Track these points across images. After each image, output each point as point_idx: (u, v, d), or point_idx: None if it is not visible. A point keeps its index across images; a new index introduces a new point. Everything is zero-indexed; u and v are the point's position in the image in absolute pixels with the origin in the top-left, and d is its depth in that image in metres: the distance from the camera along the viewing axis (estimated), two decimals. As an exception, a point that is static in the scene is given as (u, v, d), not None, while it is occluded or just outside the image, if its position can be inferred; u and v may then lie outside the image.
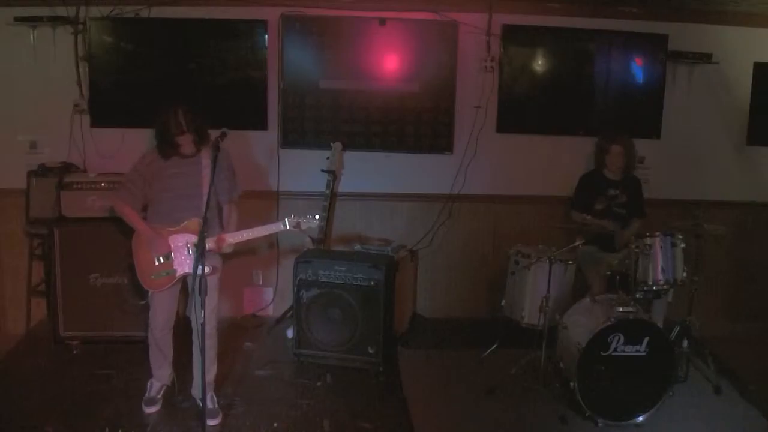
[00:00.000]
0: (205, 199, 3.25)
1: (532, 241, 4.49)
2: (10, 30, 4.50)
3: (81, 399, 3.64)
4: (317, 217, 3.44)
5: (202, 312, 2.93)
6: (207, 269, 3.04)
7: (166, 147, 3.34)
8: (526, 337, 4.05)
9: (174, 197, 3.37)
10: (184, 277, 3.44)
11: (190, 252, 3.33)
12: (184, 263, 3.36)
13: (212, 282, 3.31)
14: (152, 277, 3.38)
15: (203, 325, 2.96)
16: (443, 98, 4.83)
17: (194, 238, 3.29)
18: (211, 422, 3.39)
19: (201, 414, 3.16)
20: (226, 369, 4.05)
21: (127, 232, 3.50)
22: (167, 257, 3.36)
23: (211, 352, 3.46)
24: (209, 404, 3.46)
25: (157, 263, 3.37)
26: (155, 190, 3.40)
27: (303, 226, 3.38)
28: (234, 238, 3.41)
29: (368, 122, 4.84)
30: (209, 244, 3.24)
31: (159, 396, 3.61)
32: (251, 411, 3.61)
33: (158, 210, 3.42)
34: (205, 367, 3.13)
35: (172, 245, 3.36)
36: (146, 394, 3.61)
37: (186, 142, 3.30)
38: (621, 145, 4.38)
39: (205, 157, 3.37)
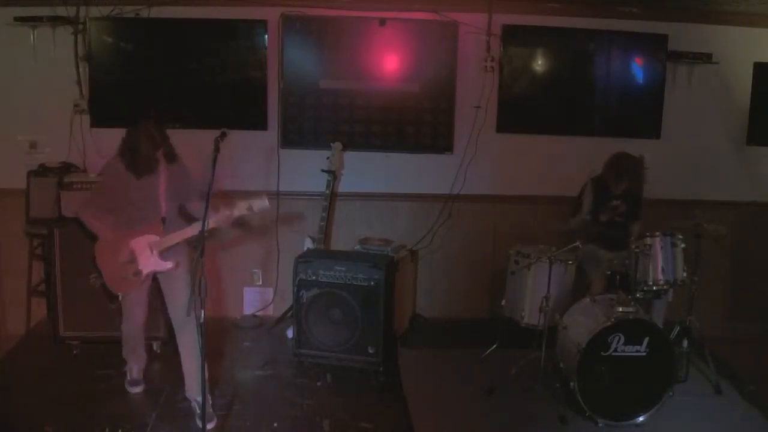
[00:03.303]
0: (163, 203, 3.44)
1: (532, 241, 4.49)
2: (10, 30, 4.50)
3: (81, 399, 3.64)
4: (266, 199, 3.41)
5: (202, 312, 2.96)
6: (170, 264, 3.39)
7: (142, 165, 3.35)
8: (526, 337, 4.04)
9: (135, 208, 3.44)
10: (153, 276, 3.53)
11: (154, 251, 3.42)
12: (149, 263, 3.42)
13: (180, 275, 3.46)
14: (120, 280, 3.45)
15: (203, 325, 2.98)
16: (443, 98, 4.83)
17: (155, 238, 3.41)
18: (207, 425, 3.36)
19: (202, 412, 3.16)
20: (227, 369, 4.07)
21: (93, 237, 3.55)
22: (132, 260, 3.42)
23: (197, 350, 3.44)
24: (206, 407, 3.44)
25: (123, 267, 3.43)
26: (117, 203, 3.46)
27: (255, 208, 3.38)
28: (178, 237, 3.42)
29: (368, 122, 4.84)
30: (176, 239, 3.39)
31: (140, 377, 3.78)
32: (251, 411, 3.61)
33: (119, 220, 3.47)
34: (201, 365, 3.13)
35: (135, 248, 3.41)
36: (128, 377, 3.76)
37: (160, 156, 3.39)
38: (626, 183, 4.26)
39: (162, 163, 3.44)
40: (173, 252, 3.43)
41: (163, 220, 3.45)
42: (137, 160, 3.34)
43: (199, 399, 3.21)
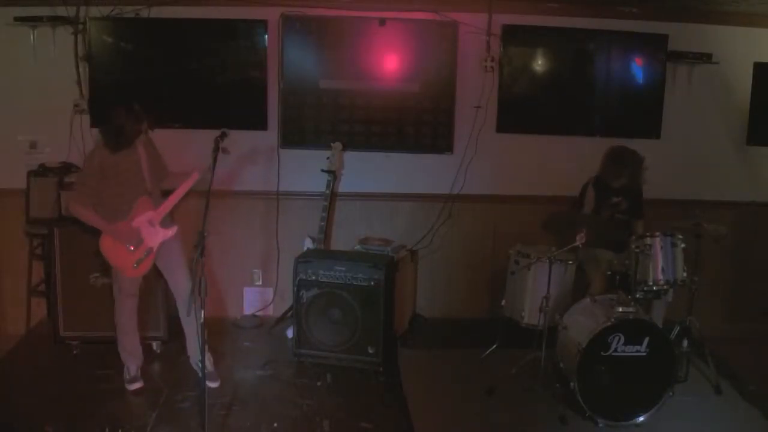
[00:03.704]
0: (147, 175, 3.61)
1: (532, 241, 4.49)
2: (10, 30, 4.49)
3: (81, 399, 3.64)
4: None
5: (202, 312, 2.97)
6: (174, 228, 3.66)
7: (123, 140, 3.51)
8: (526, 337, 4.05)
9: (121, 191, 3.56)
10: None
11: (156, 225, 3.60)
12: (156, 236, 3.61)
13: (174, 243, 3.70)
14: (135, 265, 3.58)
15: (203, 325, 2.99)
16: (443, 98, 4.83)
17: (152, 213, 3.60)
18: (211, 384, 3.59)
19: (202, 371, 3.20)
20: (227, 369, 4.06)
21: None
22: (139, 242, 3.57)
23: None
24: (208, 366, 3.66)
25: (133, 252, 3.57)
26: (104, 187, 3.55)
27: (228, 148, 3.58)
28: (170, 203, 3.68)
29: (368, 122, 4.83)
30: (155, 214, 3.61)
31: (138, 374, 3.83)
32: (251, 411, 3.60)
33: (108, 207, 3.57)
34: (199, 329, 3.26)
35: (140, 229, 3.57)
36: (127, 376, 3.81)
37: (141, 128, 3.57)
38: (625, 177, 4.28)
39: (139, 145, 3.60)
40: (167, 222, 3.66)
41: (150, 195, 3.61)
42: (120, 131, 3.48)
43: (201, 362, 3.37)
